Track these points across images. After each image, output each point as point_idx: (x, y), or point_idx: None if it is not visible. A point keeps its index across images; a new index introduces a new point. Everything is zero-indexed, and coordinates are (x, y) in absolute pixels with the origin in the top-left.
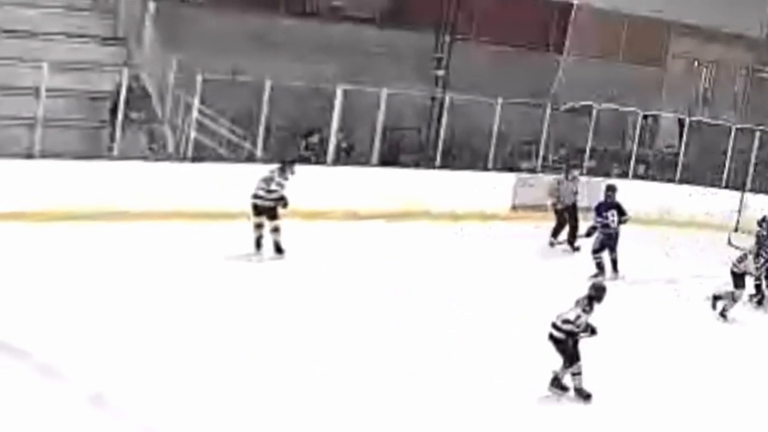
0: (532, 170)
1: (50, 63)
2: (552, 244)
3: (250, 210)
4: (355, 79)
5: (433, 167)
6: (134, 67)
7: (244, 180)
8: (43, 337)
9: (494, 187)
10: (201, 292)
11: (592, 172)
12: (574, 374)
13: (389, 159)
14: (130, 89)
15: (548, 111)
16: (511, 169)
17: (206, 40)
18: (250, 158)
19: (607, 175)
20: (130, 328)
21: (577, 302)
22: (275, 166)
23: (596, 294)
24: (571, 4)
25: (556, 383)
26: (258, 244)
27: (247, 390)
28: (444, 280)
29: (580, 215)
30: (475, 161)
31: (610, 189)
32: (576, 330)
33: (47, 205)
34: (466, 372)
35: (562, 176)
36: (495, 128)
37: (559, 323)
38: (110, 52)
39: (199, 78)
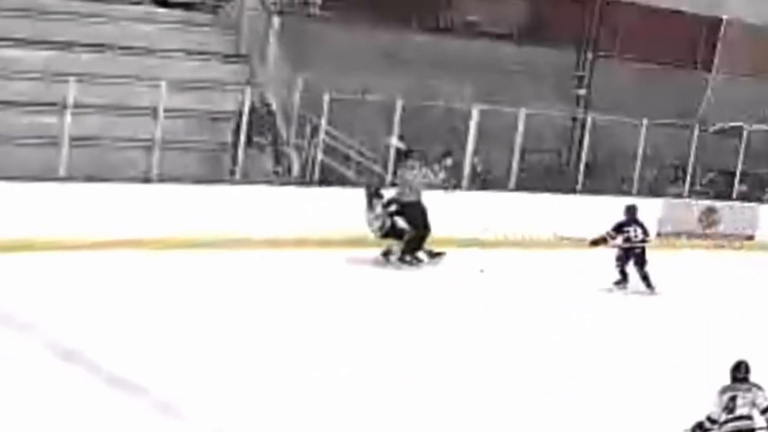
0: (679, 195)
1: (169, 82)
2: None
3: None
4: (491, 99)
5: (574, 192)
6: (258, 85)
7: None
8: (161, 373)
9: None
10: (327, 324)
11: (743, 197)
12: None
13: (527, 183)
14: (253, 109)
15: (696, 132)
16: (657, 194)
17: (334, 58)
18: (381, 182)
19: (759, 200)
20: (252, 361)
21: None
22: None
23: None
24: (721, 20)
25: None
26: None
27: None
28: (569, 311)
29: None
30: (619, 186)
31: (631, 209)
32: None
33: (166, 231)
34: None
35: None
36: (640, 151)
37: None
38: (232, 70)
39: (326, 97)
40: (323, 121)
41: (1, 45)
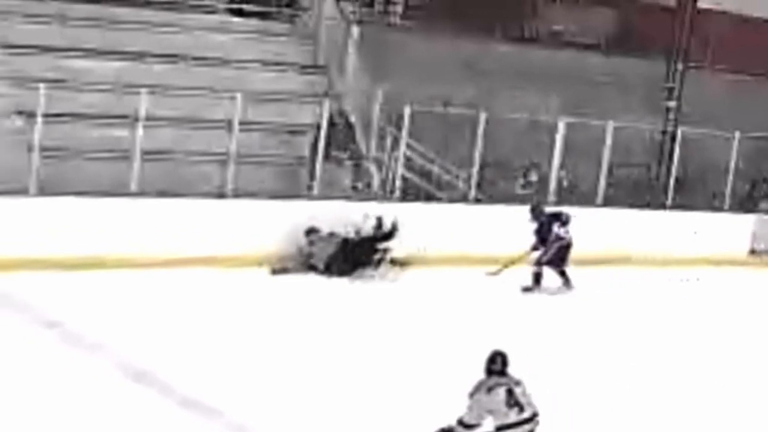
0: None
1: (244, 93)
2: None
3: None
4: (578, 111)
5: (664, 207)
6: (336, 97)
7: (458, 222)
8: (236, 394)
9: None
10: (409, 346)
11: None
12: None
13: (615, 199)
14: (331, 122)
15: None
16: (749, 210)
17: (415, 69)
18: (464, 198)
19: None
20: (328, 385)
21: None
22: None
23: None
24: None
25: None
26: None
27: None
28: (659, 334)
29: None
30: (710, 201)
31: (536, 209)
32: None
33: (241, 248)
34: None
35: None
36: (732, 165)
37: None
38: (310, 81)
39: (407, 109)
40: (404, 134)
41: (71, 56)
